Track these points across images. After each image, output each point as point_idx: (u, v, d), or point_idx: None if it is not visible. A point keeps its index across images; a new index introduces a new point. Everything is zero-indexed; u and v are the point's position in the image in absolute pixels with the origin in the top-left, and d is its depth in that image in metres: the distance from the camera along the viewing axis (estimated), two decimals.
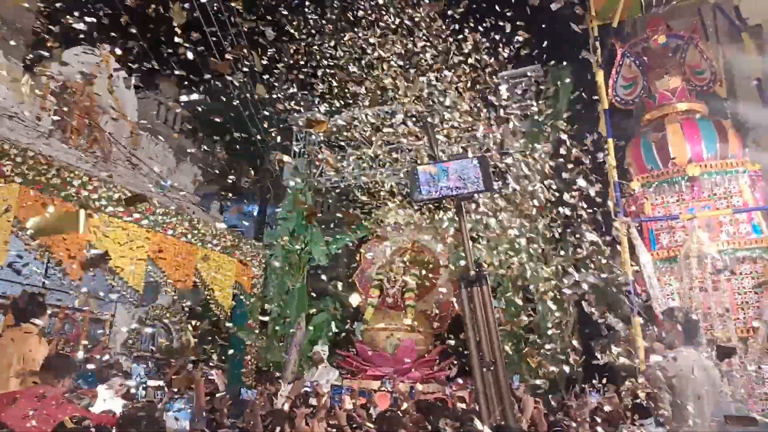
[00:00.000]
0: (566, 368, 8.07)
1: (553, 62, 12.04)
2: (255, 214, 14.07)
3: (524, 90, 12.50)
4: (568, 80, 11.80)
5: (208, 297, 10.13)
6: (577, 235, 7.75)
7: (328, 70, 11.22)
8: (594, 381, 6.78)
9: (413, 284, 11.76)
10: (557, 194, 8.17)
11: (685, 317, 5.21)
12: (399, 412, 6.35)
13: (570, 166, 7.54)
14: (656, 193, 9.15)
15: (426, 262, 12.15)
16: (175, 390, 6.78)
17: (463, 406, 6.88)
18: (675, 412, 4.64)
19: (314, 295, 12.24)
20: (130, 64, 11.60)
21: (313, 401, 5.98)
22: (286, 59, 10.84)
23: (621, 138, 9.95)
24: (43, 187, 8.20)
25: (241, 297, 11.10)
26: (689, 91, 9.88)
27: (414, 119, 10.28)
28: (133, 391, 6.38)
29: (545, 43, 11.07)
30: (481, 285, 2.13)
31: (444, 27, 9.28)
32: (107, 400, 5.73)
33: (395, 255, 12.09)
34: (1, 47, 9.79)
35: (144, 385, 7.16)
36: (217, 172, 13.29)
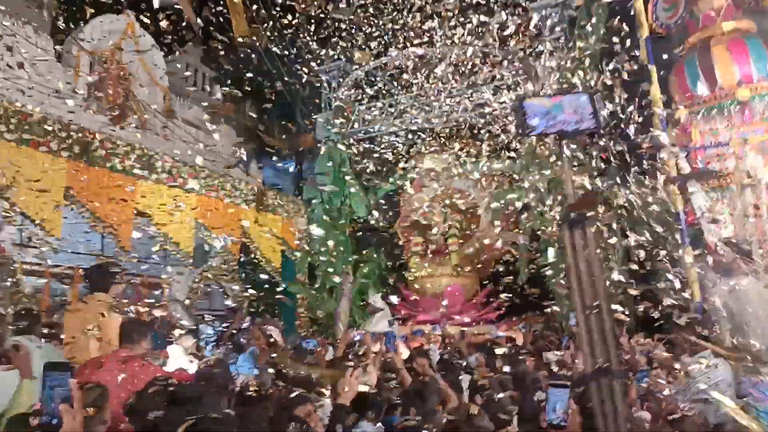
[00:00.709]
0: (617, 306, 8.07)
1: None
2: (292, 170, 14.20)
3: (557, 21, 12.01)
4: (603, 6, 11.26)
5: (255, 256, 10.41)
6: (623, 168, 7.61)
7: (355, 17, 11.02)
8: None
9: (455, 229, 11.81)
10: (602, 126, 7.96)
11: (737, 246, 5.14)
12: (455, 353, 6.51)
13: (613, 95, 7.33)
14: (704, 121, 8.84)
15: (465, 207, 12.14)
16: (238, 345, 7.07)
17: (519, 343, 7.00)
18: (737, 341, 4.65)
19: (359, 245, 12.42)
20: (154, 29, 11.59)
21: (361, 350, 6.16)
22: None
23: (663, 67, 9.56)
24: (90, 160, 8.41)
25: (287, 253, 11.36)
26: (735, 8, 9.35)
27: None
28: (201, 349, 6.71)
29: None
30: (585, 226, 2.08)
31: None
32: (178, 359, 6.02)
33: (434, 201, 12.10)
34: (31, 23, 9.83)
35: (214, 343, 7.49)
36: (253, 131, 13.33)
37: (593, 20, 11.01)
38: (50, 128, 7.89)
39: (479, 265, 12.17)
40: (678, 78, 9.36)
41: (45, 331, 5.46)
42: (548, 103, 2.27)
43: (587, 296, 1.99)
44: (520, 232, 10.84)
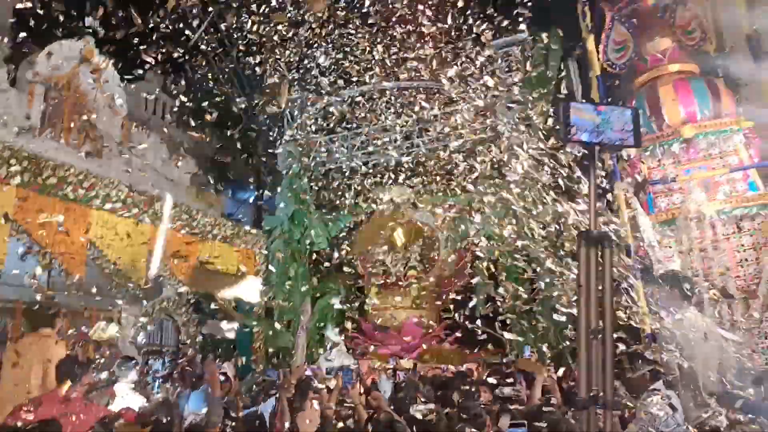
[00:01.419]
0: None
1: (541, 30, 11.96)
2: (251, 201, 14.05)
3: (513, 59, 12.41)
4: (557, 47, 11.73)
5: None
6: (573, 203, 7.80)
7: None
8: None
9: (415, 261, 11.84)
10: (552, 161, 8.20)
11: (685, 280, 5.29)
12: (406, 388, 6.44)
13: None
14: (652, 157, 9.20)
15: (426, 238, 12.22)
16: (189, 381, 6.85)
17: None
18: (683, 373, 4.74)
19: (317, 278, 12.30)
20: (114, 57, 11.48)
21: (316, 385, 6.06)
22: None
23: (614, 102, 9.96)
24: (40, 187, 8.14)
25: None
26: (680, 51, 9.86)
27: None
28: (149, 386, 6.46)
29: (532, 10, 11.00)
30: (604, 246, 2.02)
31: None
32: (125, 397, 5.80)
33: (394, 233, 12.14)
34: None
35: (160, 380, 7.23)
36: (211, 160, 13.22)
37: (549, 58, 11.45)
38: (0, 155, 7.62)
39: (438, 298, 12.19)
40: None
41: None
42: (596, 116, 2.18)
43: (593, 320, 1.92)
44: (478, 264, 10.95)
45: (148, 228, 9.43)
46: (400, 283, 12.18)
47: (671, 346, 5.10)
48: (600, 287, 1.95)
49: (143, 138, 11.94)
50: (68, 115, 10.58)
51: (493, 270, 10.40)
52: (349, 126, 12.76)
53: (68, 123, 10.60)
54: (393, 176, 12.51)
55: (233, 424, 5.00)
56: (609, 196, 8.17)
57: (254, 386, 7.08)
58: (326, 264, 12.19)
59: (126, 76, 12.10)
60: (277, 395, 5.21)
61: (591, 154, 2.16)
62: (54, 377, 4.79)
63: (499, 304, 10.14)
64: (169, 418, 4.58)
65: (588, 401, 1.89)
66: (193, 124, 12.71)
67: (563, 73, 11.19)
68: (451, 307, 10.58)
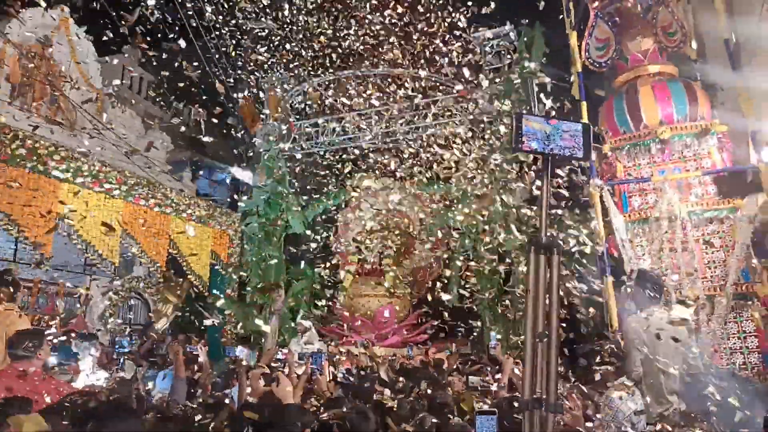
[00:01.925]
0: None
1: (525, 23, 11.99)
2: (228, 181, 13.86)
3: (496, 51, 12.43)
4: (540, 41, 11.78)
5: (184, 267, 10.04)
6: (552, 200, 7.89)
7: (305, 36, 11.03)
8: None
9: (391, 250, 11.85)
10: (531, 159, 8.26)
11: (653, 278, 5.37)
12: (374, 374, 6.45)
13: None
14: (628, 156, 9.30)
15: (402, 227, 12.22)
16: (154, 362, 6.78)
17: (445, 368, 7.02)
18: (646, 370, 4.82)
19: (292, 263, 12.23)
20: (89, 28, 11.17)
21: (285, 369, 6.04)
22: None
23: (593, 101, 10.07)
24: (8, 158, 7.91)
25: (218, 267, 11.03)
26: (660, 53, 9.96)
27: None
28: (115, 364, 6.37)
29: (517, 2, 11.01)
30: (553, 252, 2.06)
31: None
32: (89, 375, 5.71)
33: (371, 221, 12.13)
34: None
35: (125, 358, 7.13)
36: (188, 138, 12.99)
37: (531, 52, 11.48)
38: None
39: (412, 287, 12.24)
40: (606, 114, 9.84)
41: None
42: (548, 126, 2.28)
43: (539, 324, 1.97)
44: (454, 254, 11.02)
45: (121, 204, 9.25)
46: (376, 271, 12.18)
47: (636, 342, 5.18)
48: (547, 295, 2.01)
49: (118, 112, 11.68)
50: (40, 85, 10.28)
51: (467, 261, 10.46)
52: (328, 111, 12.67)
53: (40, 93, 10.31)
54: (371, 163, 12.48)
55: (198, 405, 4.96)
56: (585, 192, 8.26)
57: (225, 370, 7.04)
58: (302, 248, 12.15)
59: (102, 48, 11.78)
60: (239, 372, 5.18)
61: (545, 163, 2.25)
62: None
63: (468, 294, 10.22)
64: (130, 396, 4.53)
65: (531, 403, 1.93)
66: (170, 99, 12.48)
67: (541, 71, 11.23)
68: (427, 297, 10.63)
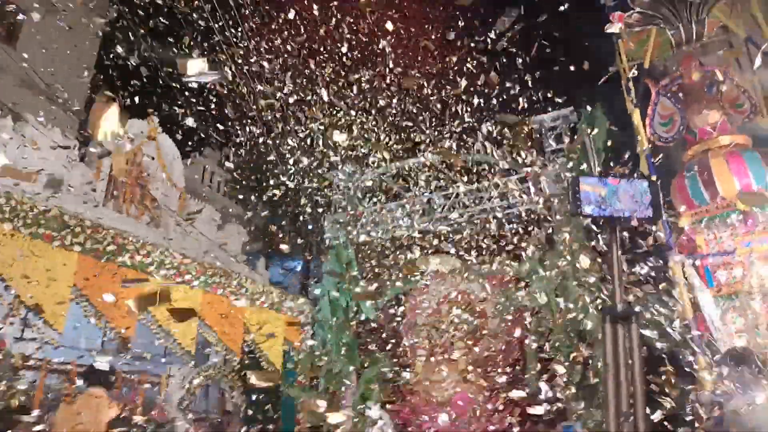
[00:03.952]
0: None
1: (585, 102, 12.14)
2: (299, 269, 14.25)
3: (558, 134, 12.58)
4: (603, 119, 11.85)
5: (258, 356, 10.18)
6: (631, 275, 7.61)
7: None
8: None
9: (462, 332, 11.59)
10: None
11: (750, 358, 5.00)
12: None
13: None
14: (708, 229, 8.94)
15: (474, 309, 12.00)
16: None
17: None
18: None
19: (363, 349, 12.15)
20: (174, 133, 12.26)
21: None
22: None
23: (662, 176, 9.87)
24: (101, 254, 8.50)
25: (291, 354, 11.10)
26: (730, 124, 9.78)
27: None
28: None
29: (577, 86, 11.26)
30: (631, 322, 1.93)
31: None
32: None
33: (441, 304, 12.00)
34: (53, 120, 10.45)
35: None
36: (262, 231, 13.61)
37: (595, 131, 11.55)
38: (65, 223, 8.03)
39: (487, 372, 11.77)
40: (678, 188, 9.60)
41: (37, 429, 5.32)
42: (604, 190, 2.19)
43: (623, 401, 1.79)
44: (530, 334, 10.65)
45: (200, 294, 9.62)
46: (448, 355, 11.87)
47: (744, 429, 4.78)
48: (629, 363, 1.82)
49: (196, 208, 12.47)
50: (130, 187, 11.19)
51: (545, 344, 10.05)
52: (394, 196, 13.04)
53: (129, 194, 11.20)
54: (439, 245, 12.55)
55: None
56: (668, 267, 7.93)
57: None
58: (370, 334, 12.09)
59: (185, 150, 12.83)
60: None
61: (611, 229, 2.16)
62: None
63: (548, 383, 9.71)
64: None
65: None
66: (242, 197, 13.25)
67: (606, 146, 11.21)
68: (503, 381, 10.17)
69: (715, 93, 9.87)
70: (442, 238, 12.47)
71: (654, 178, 9.22)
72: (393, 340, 12.27)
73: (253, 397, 10.90)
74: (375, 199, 13.24)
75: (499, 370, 11.26)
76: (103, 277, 8.42)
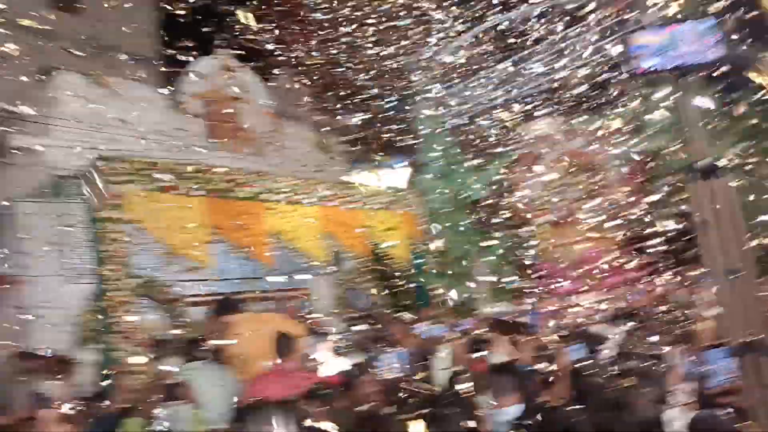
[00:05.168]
0: None
1: None
2: (402, 165, 14.29)
3: None
4: None
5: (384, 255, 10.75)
6: None
7: None
8: None
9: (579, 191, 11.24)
10: None
11: None
12: None
13: None
14: None
15: (589, 167, 11.49)
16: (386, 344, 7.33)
17: None
18: None
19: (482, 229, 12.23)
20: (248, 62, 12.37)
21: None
22: None
23: None
24: (221, 193, 8.96)
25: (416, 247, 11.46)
26: None
27: None
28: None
29: None
30: (717, 176, 1.74)
31: None
32: (329, 364, 6.36)
33: (552, 167, 11.58)
34: (138, 73, 10.92)
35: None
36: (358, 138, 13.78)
37: None
38: (184, 172, 8.45)
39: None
40: None
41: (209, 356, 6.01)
42: (658, 38, 1.90)
43: (731, 257, 1.62)
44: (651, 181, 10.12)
45: (316, 209, 9.98)
46: (569, 216, 11.60)
47: None
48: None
49: (290, 128, 12.71)
50: (222, 124, 11.56)
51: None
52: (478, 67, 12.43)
53: (226, 132, 11.60)
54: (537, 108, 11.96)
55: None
56: None
57: None
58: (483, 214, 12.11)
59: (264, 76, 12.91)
60: None
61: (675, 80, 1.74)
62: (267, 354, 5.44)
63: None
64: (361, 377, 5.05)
65: (741, 349, 1.60)
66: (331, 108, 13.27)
67: None
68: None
69: None
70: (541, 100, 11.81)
71: None
72: (509, 215, 12.18)
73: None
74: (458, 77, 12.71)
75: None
76: (230, 213, 8.90)
